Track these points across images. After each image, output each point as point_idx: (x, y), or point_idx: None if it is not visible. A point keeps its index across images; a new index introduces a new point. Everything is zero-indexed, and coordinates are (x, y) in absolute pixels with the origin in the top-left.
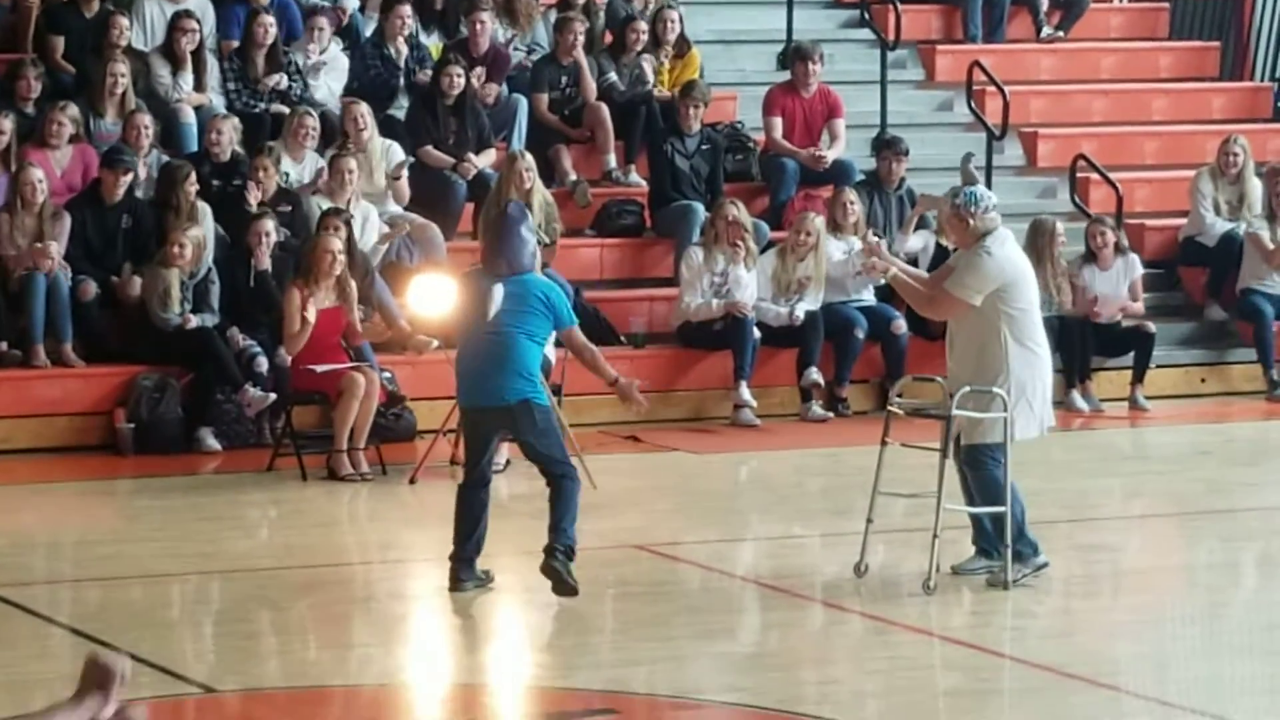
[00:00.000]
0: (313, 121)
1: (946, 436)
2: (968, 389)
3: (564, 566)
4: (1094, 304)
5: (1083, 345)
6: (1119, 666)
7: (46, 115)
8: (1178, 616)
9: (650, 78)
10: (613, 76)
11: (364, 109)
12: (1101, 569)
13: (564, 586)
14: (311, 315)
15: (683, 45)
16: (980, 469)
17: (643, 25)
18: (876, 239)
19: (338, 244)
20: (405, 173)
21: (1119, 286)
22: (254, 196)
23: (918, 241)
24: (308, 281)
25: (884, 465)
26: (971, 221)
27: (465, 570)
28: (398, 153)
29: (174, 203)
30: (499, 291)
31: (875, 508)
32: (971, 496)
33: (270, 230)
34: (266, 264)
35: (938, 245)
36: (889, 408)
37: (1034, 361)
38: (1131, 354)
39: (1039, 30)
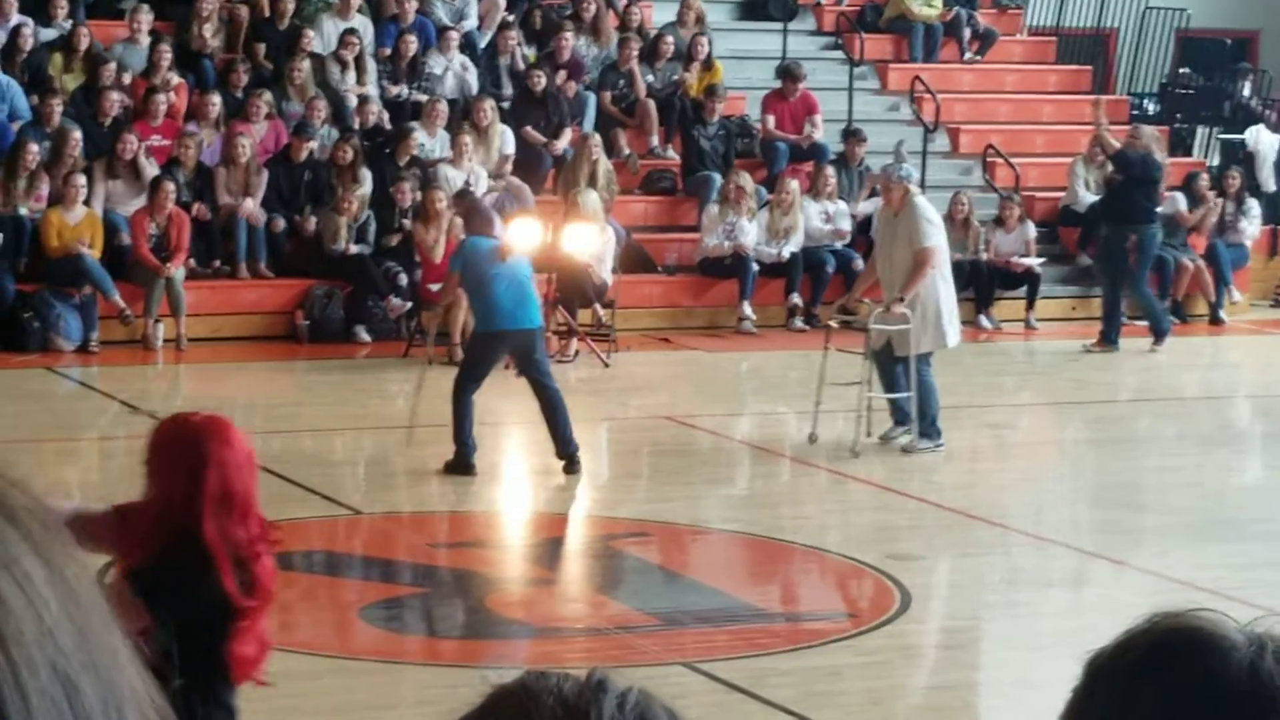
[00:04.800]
0: (442, 106)
1: (868, 343)
2: (880, 309)
3: (580, 466)
4: (1001, 257)
5: (989, 282)
6: (1008, 511)
7: (249, 99)
8: (1051, 476)
9: (678, 79)
10: (650, 78)
11: (489, 104)
12: (998, 441)
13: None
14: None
15: (710, 61)
16: (918, 374)
17: (669, 38)
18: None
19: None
20: (511, 152)
21: (1018, 244)
22: (402, 161)
23: (869, 206)
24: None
25: (830, 364)
26: (906, 186)
27: (473, 454)
28: (509, 138)
29: (342, 164)
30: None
31: (822, 394)
32: (891, 384)
33: (408, 190)
34: (408, 213)
35: None
36: (827, 322)
37: (949, 289)
38: (1024, 288)
39: (962, 54)
